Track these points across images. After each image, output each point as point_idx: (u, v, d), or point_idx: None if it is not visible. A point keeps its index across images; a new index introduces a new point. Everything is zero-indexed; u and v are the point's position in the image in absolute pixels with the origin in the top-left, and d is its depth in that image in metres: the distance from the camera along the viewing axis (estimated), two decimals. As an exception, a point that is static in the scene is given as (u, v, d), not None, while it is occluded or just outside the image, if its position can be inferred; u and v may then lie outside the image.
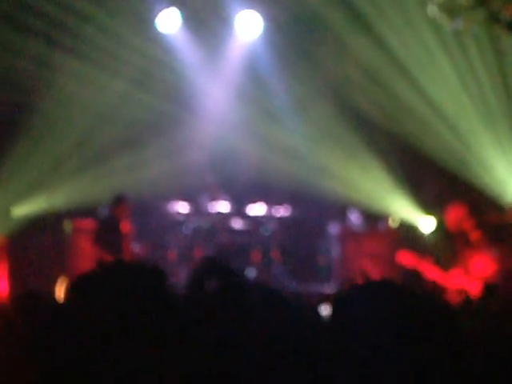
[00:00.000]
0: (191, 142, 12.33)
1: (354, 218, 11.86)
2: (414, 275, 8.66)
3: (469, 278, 8.25)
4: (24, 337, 2.88)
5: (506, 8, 8.92)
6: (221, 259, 2.45)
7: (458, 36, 10.49)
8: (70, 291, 1.98)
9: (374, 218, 11.77)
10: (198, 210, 12.07)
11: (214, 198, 12.05)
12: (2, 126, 11.68)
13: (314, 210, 12.37)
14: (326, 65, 12.16)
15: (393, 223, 11.61)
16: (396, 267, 10.23)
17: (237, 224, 12.09)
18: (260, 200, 12.15)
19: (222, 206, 12.06)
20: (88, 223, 11.31)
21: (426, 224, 11.34)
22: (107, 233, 10.23)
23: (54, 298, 9.06)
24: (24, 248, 11.43)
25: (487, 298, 7.21)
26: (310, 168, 11.99)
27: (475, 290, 8.17)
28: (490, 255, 8.50)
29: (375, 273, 10.96)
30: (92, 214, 11.43)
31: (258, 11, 11.90)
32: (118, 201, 10.43)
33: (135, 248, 10.71)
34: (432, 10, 9.16)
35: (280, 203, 12.26)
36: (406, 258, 8.61)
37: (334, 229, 11.85)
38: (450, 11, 9.11)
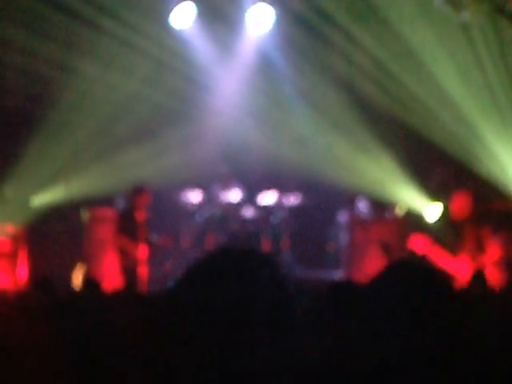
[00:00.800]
0: (204, 132, 12.48)
1: (362, 206, 12.01)
2: (423, 261, 8.82)
3: (474, 265, 8.42)
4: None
5: (510, 1, 9.10)
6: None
7: (464, 27, 10.65)
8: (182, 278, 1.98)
9: (382, 206, 11.92)
10: (210, 199, 12.23)
11: (225, 187, 12.24)
12: (21, 117, 11.87)
13: (324, 199, 12.51)
14: (336, 56, 12.31)
15: (400, 211, 11.74)
16: (403, 254, 10.44)
17: (248, 212, 12.24)
18: (271, 189, 12.34)
19: (234, 195, 12.24)
20: (104, 212, 11.48)
21: (432, 212, 11.45)
22: (129, 223, 10.33)
23: (70, 285, 9.26)
24: (42, 237, 11.61)
25: (475, 284, 7.45)
26: (319, 157, 12.14)
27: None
28: (495, 243, 8.67)
29: (383, 260, 11.15)
30: (108, 203, 11.64)
31: (269, 4, 12.06)
32: (138, 191, 10.49)
33: (153, 238, 10.81)
34: (439, 2, 9.32)
35: (290, 192, 12.44)
36: (419, 243, 8.71)
37: (342, 217, 11.97)
38: (457, 4, 9.27)
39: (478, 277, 7.52)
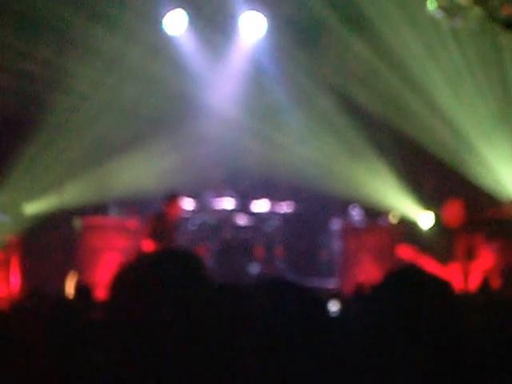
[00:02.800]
0: (197, 139, 12.51)
1: (356, 213, 12.01)
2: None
3: (467, 272, 8.45)
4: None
5: (503, 7, 9.12)
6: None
7: (456, 34, 10.70)
8: (114, 282, 1.98)
9: (375, 214, 11.94)
10: (203, 207, 12.21)
11: (218, 195, 12.24)
12: (13, 125, 11.88)
13: (317, 207, 12.54)
14: (328, 63, 12.33)
15: (393, 219, 11.77)
16: (396, 262, 10.46)
17: (241, 220, 12.24)
18: (264, 196, 12.34)
19: (227, 203, 12.24)
20: (97, 220, 11.48)
21: (425, 220, 11.49)
22: (160, 229, 10.23)
23: (63, 294, 9.24)
24: (35, 245, 11.60)
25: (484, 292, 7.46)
26: (312, 165, 12.17)
27: (473, 284, 8.38)
28: (488, 250, 8.70)
29: (376, 267, 11.17)
30: (101, 211, 11.64)
31: (261, 12, 12.09)
32: (171, 198, 10.46)
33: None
34: (431, 8, 9.34)
35: (283, 200, 12.45)
36: (405, 252, 8.81)
37: (335, 224, 11.97)
38: (449, 10, 9.29)
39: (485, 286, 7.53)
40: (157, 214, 10.56)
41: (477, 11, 9.12)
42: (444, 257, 8.64)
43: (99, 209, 11.75)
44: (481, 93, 11.47)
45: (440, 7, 9.24)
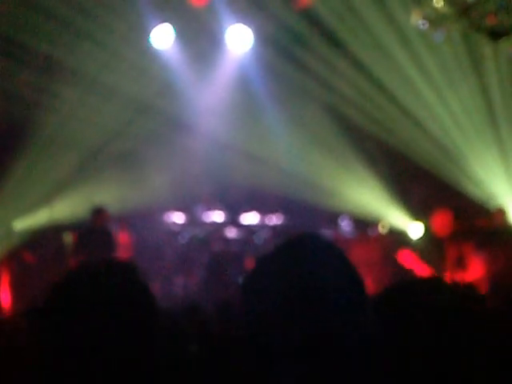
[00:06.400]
0: (185, 155, 12.55)
1: (345, 224, 12.05)
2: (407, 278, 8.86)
3: (457, 280, 8.49)
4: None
5: (486, 17, 9.20)
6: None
7: (438, 45, 10.79)
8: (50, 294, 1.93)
9: (364, 225, 11.99)
10: (193, 220, 12.28)
11: (208, 208, 12.30)
12: (3, 141, 11.88)
13: (306, 218, 12.59)
14: (315, 76, 12.38)
15: (382, 229, 11.81)
16: (386, 272, 10.50)
17: (231, 233, 12.30)
18: (253, 209, 12.41)
19: (217, 216, 12.29)
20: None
21: (415, 230, 11.54)
22: (87, 244, 10.21)
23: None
24: (25, 261, 11.59)
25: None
26: (301, 176, 12.21)
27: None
28: (477, 259, 8.75)
29: (366, 277, 11.21)
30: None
31: (247, 25, 12.12)
32: (96, 212, 10.47)
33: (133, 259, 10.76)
34: (416, 19, 9.41)
35: (272, 212, 12.51)
36: (406, 258, 8.83)
37: (325, 235, 12.00)
38: (434, 21, 9.36)
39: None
40: (81, 230, 10.57)
41: (461, 22, 9.20)
42: (434, 266, 8.69)
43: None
44: (464, 104, 11.56)
45: (425, 18, 9.32)
